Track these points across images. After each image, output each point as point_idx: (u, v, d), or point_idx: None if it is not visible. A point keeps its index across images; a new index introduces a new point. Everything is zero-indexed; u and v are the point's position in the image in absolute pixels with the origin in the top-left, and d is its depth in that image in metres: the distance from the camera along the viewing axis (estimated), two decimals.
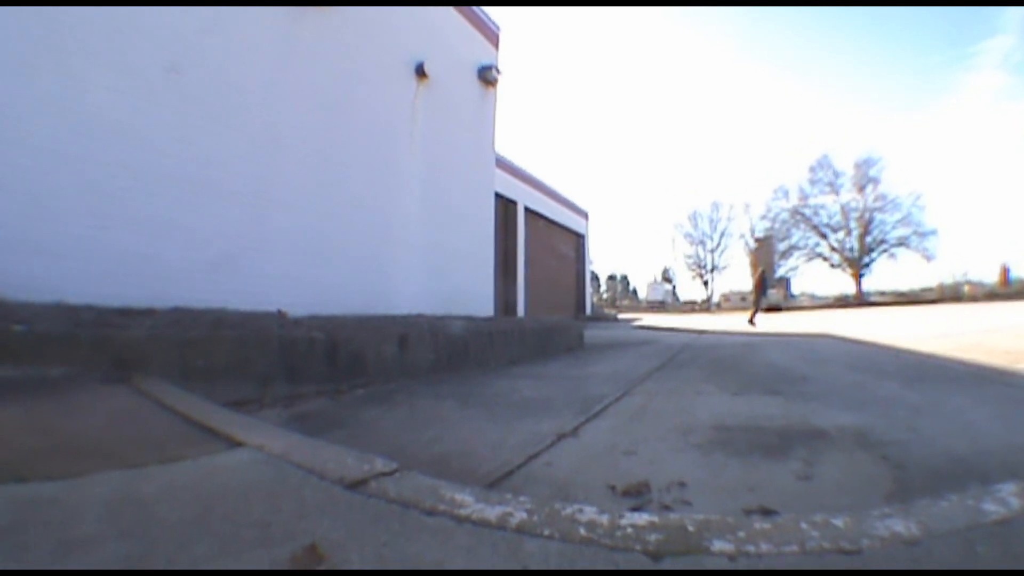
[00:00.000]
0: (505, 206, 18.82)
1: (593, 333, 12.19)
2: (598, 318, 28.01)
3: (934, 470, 2.43)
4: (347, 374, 4.60)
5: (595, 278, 67.77)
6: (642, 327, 19.36)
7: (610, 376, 5.53)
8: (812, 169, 58.78)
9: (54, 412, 2.62)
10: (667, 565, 1.36)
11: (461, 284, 10.93)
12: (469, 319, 7.91)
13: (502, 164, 16.19)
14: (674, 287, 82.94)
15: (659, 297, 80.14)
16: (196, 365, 3.84)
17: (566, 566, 1.36)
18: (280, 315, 5.37)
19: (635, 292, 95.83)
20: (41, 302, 4.53)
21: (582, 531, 1.51)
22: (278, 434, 2.48)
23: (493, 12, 12.62)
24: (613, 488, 2.27)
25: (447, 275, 10.41)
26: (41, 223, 4.95)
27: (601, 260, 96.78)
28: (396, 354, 5.07)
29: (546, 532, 1.50)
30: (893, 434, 3.05)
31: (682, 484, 2.30)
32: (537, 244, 22.80)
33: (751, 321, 17.87)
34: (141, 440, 2.36)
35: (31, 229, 4.90)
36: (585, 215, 30.25)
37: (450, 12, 11.04)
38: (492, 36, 12.62)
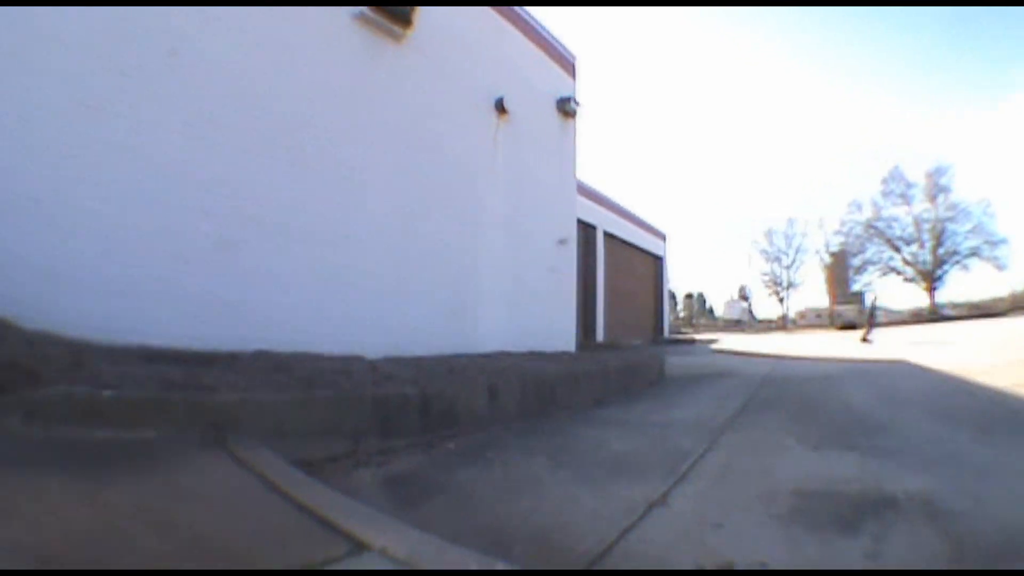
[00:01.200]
0: (584, 231, 18.94)
1: (672, 361, 12.15)
2: (675, 341, 27.65)
3: (991, 546, 2.61)
4: (438, 426, 4.77)
5: (672, 297, 66.95)
6: (720, 351, 19.15)
7: (693, 424, 5.66)
8: (885, 181, 58.35)
9: (162, 494, 2.59)
10: None
11: (543, 319, 11.10)
12: (555, 360, 8.04)
13: (581, 189, 16.31)
14: (750, 305, 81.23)
15: (736, 315, 78.76)
16: (290, 427, 3.89)
17: None
18: (372, 368, 5.56)
19: (711, 311, 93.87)
20: (122, 344, 4.70)
21: None
22: (395, 529, 2.50)
23: (563, 31, 12.76)
24: (703, 570, 2.47)
25: (529, 311, 10.59)
26: (120, 266, 5.15)
27: (678, 278, 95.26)
28: (486, 404, 5.26)
29: None
30: (958, 502, 3.18)
31: (763, 564, 2.48)
32: (616, 267, 22.81)
33: (865, 339, 20.81)
34: (262, 537, 2.37)
35: (108, 271, 5.08)
36: (663, 237, 30.01)
37: (527, 44, 11.25)
38: (569, 66, 12.73)
